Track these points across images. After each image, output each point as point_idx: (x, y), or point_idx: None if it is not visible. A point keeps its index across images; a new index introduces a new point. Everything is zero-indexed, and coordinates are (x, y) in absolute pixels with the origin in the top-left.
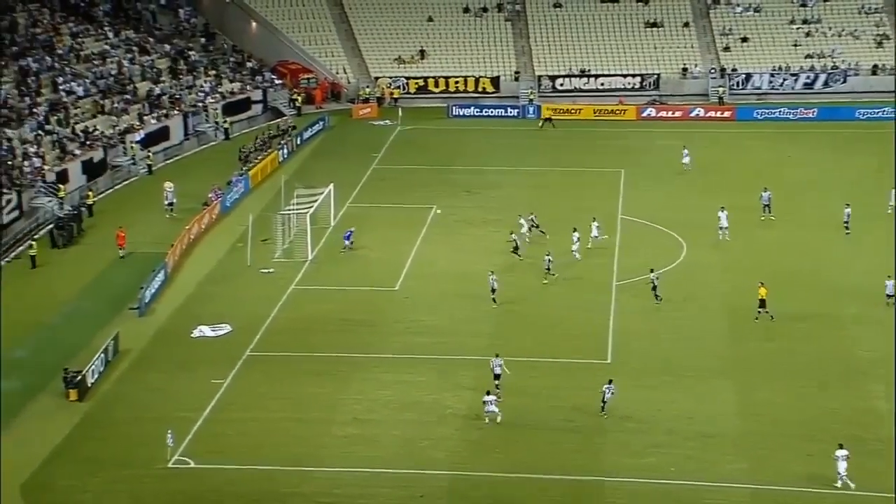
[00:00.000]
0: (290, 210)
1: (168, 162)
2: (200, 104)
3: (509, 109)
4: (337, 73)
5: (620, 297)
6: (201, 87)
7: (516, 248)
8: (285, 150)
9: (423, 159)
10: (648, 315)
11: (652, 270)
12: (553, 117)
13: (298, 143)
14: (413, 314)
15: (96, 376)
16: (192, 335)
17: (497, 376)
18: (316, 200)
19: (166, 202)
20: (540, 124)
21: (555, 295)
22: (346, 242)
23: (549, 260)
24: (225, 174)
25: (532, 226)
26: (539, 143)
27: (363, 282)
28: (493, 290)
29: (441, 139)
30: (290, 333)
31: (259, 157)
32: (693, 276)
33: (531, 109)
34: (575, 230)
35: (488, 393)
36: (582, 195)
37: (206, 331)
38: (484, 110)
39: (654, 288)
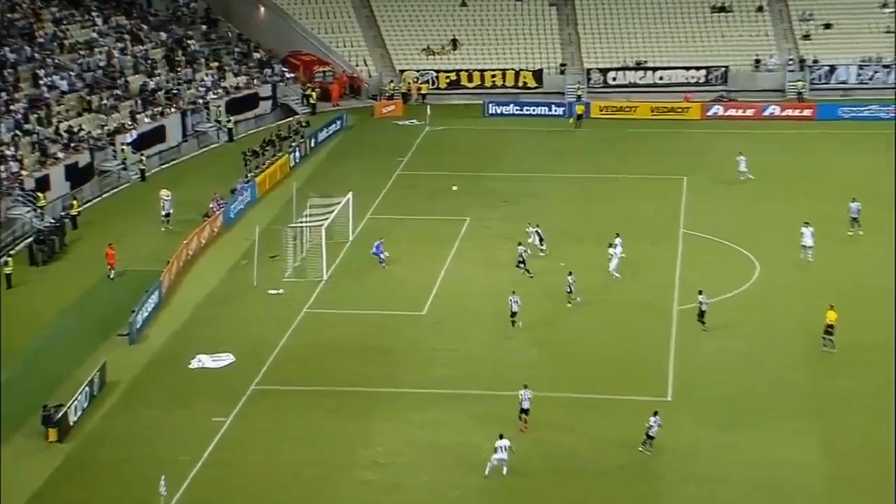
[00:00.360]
0: (302, 222)
1: (164, 167)
2: (201, 101)
3: (554, 107)
4: (357, 65)
5: (683, 323)
6: (202, 81)
7: (522, 261)
8: (297, 154)
9: (454, 164)
10: (716, 345)
11: (700, 293)
12: (582, 115)
13: (312, 145)
14: (443, 342)
15: (79, 413)
16: (190, 366)
17: (525, 410)
18: (332, 211)
19: (162, 213)
20: (572, 122)
21: (602, 321)
22: (380, 257)
23: (572, 281)
24: (228, 181)
25: (541, 239)
26: (588, 145)
27: (386, 305)
28: (514, 314)
29: (475, 141)
30: (301, 364)
31: (267, 162)
32: (768, 299)
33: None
34: (611, 245)
35: (501, 436)
36: (637, 206)
37: (205, 360)
38: (525, 108)
39: (702, 314)
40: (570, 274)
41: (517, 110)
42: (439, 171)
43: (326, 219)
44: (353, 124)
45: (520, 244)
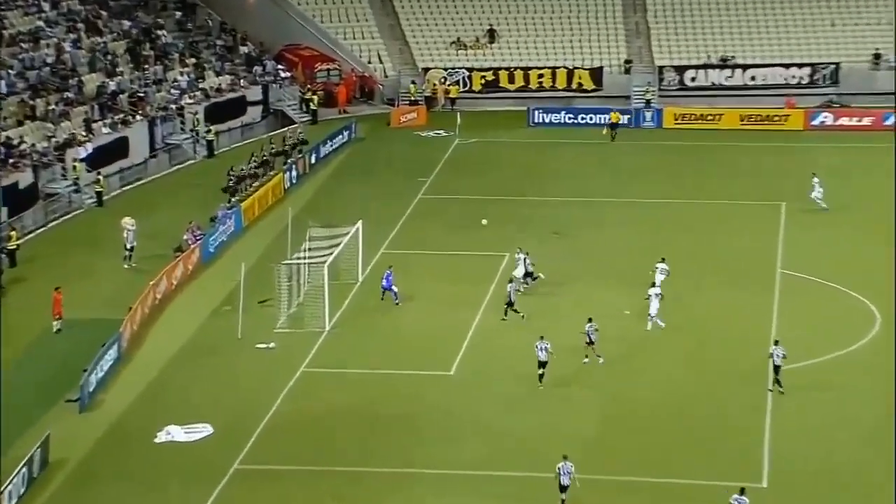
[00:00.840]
0: (300, 258)
1: (126, 189)
2: (173, 106)
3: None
4: (369, 62)
5: (784, 389)
6: (175, 81)
7: (510, 303)
8: (294, 173)
9: (491, 186)
10: (824, 415)
11: (776, 343)
12: (618, 123)
13: (313, 161)
14: (475, 410)
15: (14, 500)
16: (157, 439)
17: (564, 488)
18: (337, 245)
19: (125, 247)
20: (606, 133)
21: (675, 382)
22: (392, 291)
23: (592, 330)
24: (207, 206)
25: (526, 273)
26: (660, 163)
27: (404, 362)
28: (542, 364)
29: (518, 157)
30: (296, 437)
31: (257, 183)
32: (891, 358)
33: (648, 115)
34: (654, 284)
35: None
36: (723, 239)
37: (176, 433)
38: (579, 116)
39: (777, 369)
40: (591, 321)
41: (570, 119)
42: (472, 194)
43: (330, 254)
44: (364, 136)
45: (510, 281)
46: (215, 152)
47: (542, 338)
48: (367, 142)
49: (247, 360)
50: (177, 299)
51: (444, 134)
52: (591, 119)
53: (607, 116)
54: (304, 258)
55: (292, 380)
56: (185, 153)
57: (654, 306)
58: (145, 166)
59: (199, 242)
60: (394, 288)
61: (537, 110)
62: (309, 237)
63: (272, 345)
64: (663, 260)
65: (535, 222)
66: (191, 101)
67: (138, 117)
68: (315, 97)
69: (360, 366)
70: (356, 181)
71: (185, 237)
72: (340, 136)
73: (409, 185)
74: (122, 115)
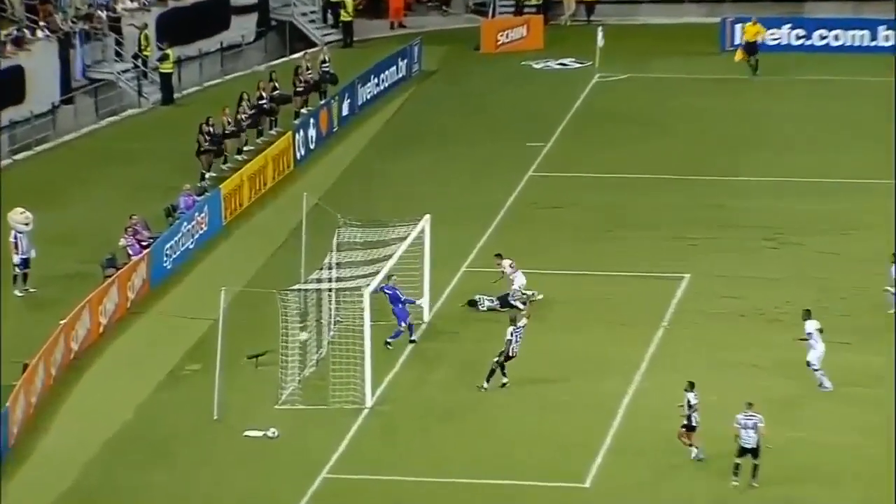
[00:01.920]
0: (321, 281)
1: (19, 158)
2: (103, 15)
3: (882, 33)
4: None
5: None
6: None
7: (504, 358)
8: (312, 132)
9: (654, 157)
10: None
11: None
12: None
13: (345, 113)
14: None
15: None
16: None
17: (746, 451)
18: (386, 257)
19: (14, 259)
20: (740, 58)
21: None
22: (402, 319)
23: (692, 402)
24: (161, 190)
25: (525, 298)
26: None
27: (502, 466)
28: (749, 453)
29: (703, 106)
30: None
31: (248, 149)
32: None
33: None
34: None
35: None
36: None
37: None
38: (817, 35)
39: None
40: (691, 388)
41: (801, 38)
42: (619, 171)
43: (374, 273)
44: (434, 68)
45: (512, 326)
46: (175, 95)
47: (749, 406)
48: (440, 79)
49: (229, 458)
50: (107, 351)
51: (574, 65)
52: (837, 40)
53: (870, 33)
54: (330, 280)
55: (307, 493)
56: (122, 96)
57: (816, 353)
58: (52, 119)
59: (145, 252)
60: (407, 316)
61: (738, 23)
62: (337, 244)
63: (272, 432)
64: None
65: (733, 220)
66: (133, 4)
67: (41, 34)
68: (349, 2)
69: (425, 471)
70: (419, 148)
71: (122, 243)
72: (393, 70)
73: (512, 155)
74: (12, 30)
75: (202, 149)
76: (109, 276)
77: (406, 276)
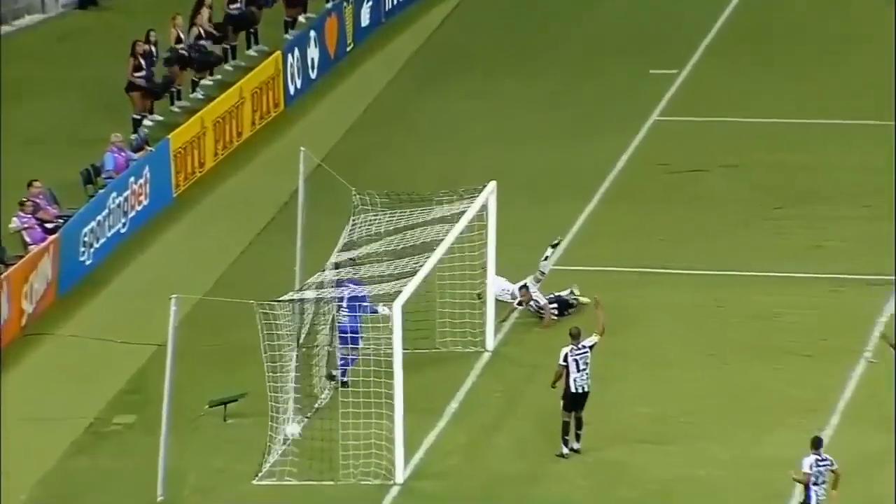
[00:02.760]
0: (324, 285)
1: None
2: None
3: None
4: None
5: None
6: None
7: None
8: (315, 51)
9: (855, 89)
10: None
11: None
12: None
13: (365, 23)
14: None
15: None
16: None
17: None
18: (426, 250)
19: None
20: None
21: None
22: (338, 372)
23: (823, 472)
24: (78, 144)
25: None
26: None
27: None
28: None
29: None
30: None
31: (205, 82)
32: None
33: None
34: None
35: None
36: None
37: None
38: None
39: None
40: (817, 446)
41: None
42: (802, 115)
43: (404, 277)
44: None
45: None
46: None
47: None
48: None
49: None
50: None
51: None
52: None
53: None
54: (337, 282)
55: None
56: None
57: None
58: None
59: (51, 240)
60: (357, 344)
61: None
62: (350, 228)
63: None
64: None
65: None
66: None
67: None
68: None
69: None
70: (472, 81)
71: (14, 224)
72: None
73: (625, 89)
74: None
75: (137, 80)
76: None
77: (456, 277)
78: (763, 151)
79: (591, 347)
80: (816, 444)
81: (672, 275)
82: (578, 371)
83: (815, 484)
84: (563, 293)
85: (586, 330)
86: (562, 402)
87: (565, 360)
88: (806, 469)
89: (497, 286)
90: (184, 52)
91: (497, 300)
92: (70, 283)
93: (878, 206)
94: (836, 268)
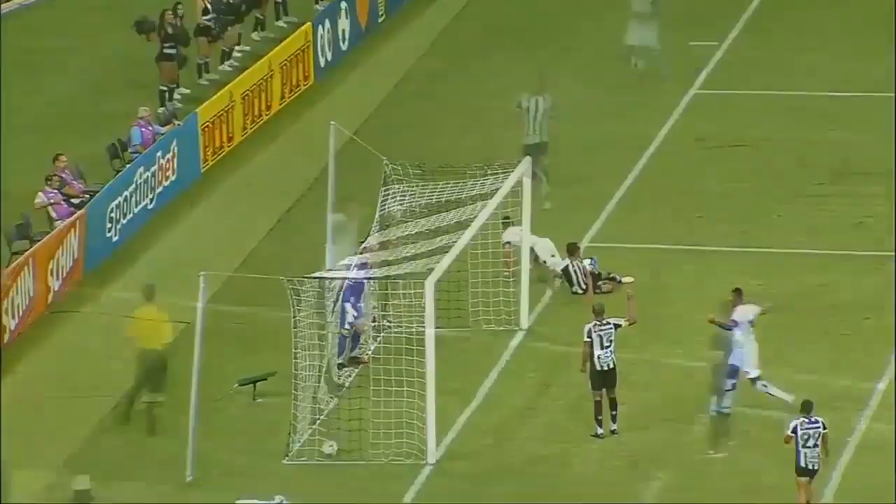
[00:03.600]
0: (358, 265)
1: None
2: None
3: None
4: None
5: None
6: None
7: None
8: (343, 23)
9: None
10: None
11: None
12: None
13: None
14: None
15: None
16: None
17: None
18: (463, 226)
19: None
20: None
21: None
22: (344, 329)
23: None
24: (103, 119)
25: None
26: None
27: None
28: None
29: None
30: None
31: (235, 53)
32: None
33: None
34: None
35: None
36: None
37: None
38: None
39: None
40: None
41: None
42: (849, 87)
43: (438, 252)
44: None
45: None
46: None
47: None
48: None
49: None
50: (18, 371)
51: None
52: None
53: None
54: (373, 262)
55: None
56: None
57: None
58: None
59: (77, 215)
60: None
61: None
62: (383, 202)
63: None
64: None
65: None
66: None
67: None
68: None
69: None
70: (510, 52)
71: (40, 200)
72: None
73: (663, 60)
74: None
75: (166, 51)
76: (19, 254)
77: (490, 255)
78: (805, 127)
79: (616, 326)
80: (806, 407)
81: (710, 252)
82: (602, 348)
83: (804, 446)
84: (586, 262)
85: (615, 315)
86: (589, 382)
87: (589, 335)
88: (788, 431)
89: (545, 251)
90: (208, 22)
91: (544, 266)
92: (97, 259)
93: None
94: (879, 245)
